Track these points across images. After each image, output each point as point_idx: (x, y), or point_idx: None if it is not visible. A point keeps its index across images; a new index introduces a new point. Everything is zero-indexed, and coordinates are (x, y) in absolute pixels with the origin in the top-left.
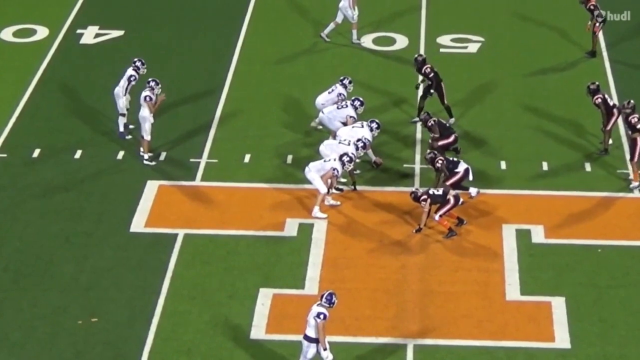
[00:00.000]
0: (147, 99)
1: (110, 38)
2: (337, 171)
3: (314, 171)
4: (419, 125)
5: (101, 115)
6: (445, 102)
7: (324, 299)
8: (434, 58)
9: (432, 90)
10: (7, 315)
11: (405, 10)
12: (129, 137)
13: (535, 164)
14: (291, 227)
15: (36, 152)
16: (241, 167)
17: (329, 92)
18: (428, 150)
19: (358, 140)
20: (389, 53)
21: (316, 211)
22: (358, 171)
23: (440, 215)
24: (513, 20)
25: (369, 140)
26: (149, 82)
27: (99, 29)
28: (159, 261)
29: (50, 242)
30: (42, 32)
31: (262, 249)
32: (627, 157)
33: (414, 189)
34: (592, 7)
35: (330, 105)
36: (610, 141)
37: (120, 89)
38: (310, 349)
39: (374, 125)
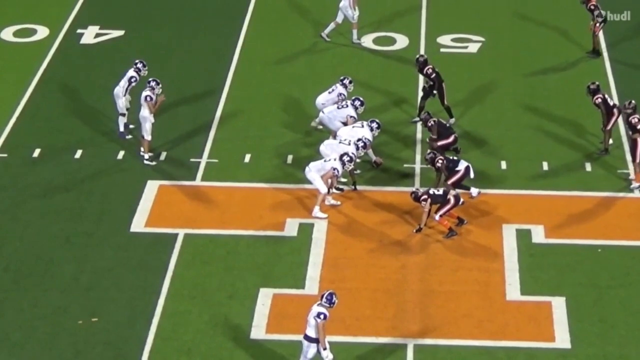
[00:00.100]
0: (148, 98)
1: (110, 38)
2: (338, 171)
3: (314, 171)
4: (419, 125)
5: (101, 115)
6: (446, 102)
7: (324, 299)
8: (434, 58)
9: (435, 91)
10: (8, 316)
11: (406, 10)
12: (129, 137)
13: (536, 164)
14: (291, 227)
15: (36, 152)
16: (241, 167)
17: (329, 92)
18: (428, 150)
19: (358, 140)
20: (389, 53)
21: (316, 211)
22: (358, 171)
23: (441, 215)
24: (513, 20)
25: (369, 140)
26: (149, 82)
27: (99, 29)
28: (159, 261)
29: (51, 242)
30: (42, 32)
31: (262, 249)
32: (628, 157)
33: (414, 189)
34: (592, 7)
35: (331, 105)
36: (611, 141)
37: (120, 89)
38: (311, 349)
39: (374, 125)
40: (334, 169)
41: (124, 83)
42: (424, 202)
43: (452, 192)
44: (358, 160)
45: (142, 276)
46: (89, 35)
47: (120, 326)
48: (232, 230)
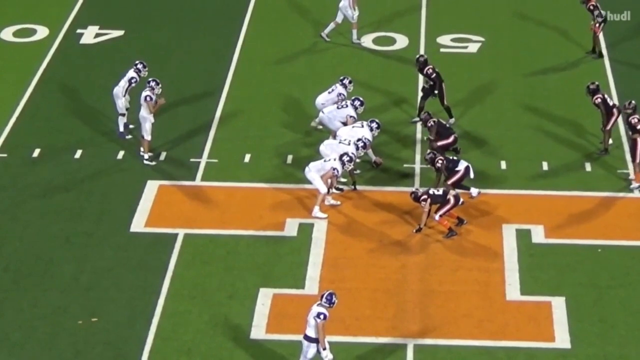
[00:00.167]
0: (147, 98)
1: (110, 38)
2: (337, 171)
3: (314, 171)
4: (419, 125)
5: (101, 115)
6: (445, 102)
7: (324, 299)
8: (434, 58)
9: (436, 91)
10: (7, 316)
11: (405, 10)
12: (129, 137)
13: (536, 164)
14: (291, 227)
15: (36, 152)
16: (241, 167)
17: (329, 92)
18: (428, 151)
19: (358, 140)
20: (389, 53)
21: (316, 211)
22: (358, 171)
23: (441, 215)
24: (513, 20)
25: (369, 140)
26: (149, 82)
27: (99, 29)
28: (159, 261)
29: (51, 242)
30: (42, 32)
31: (262, 249)
32: (628, 157)
33: (414, 189)
34: (591, 7)
35: (331, 105)
36: (610, 141)
37: (119, 90)
38: (311, 349)
39: (374, 125)
40: (334, 169)
41: (123, 83)
42: (424, 202)
43: (452, 192)
44: (358, 160)
45: (142, 276)
46: (89, 35)
47: (120, 326)
48: (232, 230)
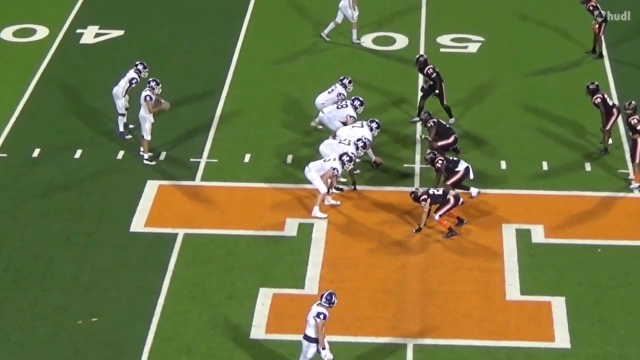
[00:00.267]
0: (147, 98)
1: (110, 38)
2: (337, 171)
3: (314, 171)
4: (419, 125)
5: (101, 115)
6: (445, 102)
7: (323, 299)
8: (434, 58)
9: (436, 91)
10: (8, 315)
11: (405, 10)
12: (129, 136)
13: (536, 164)
14: (291, 227)
15: (36, 152)
16: (241, 167)
17: (329, 92)
18: (428, 151)
19: (358, 140)
20: (389, 53)
21: (316, 211)
22: (358, 171)
23: (440, 215)
24: (513, 20)
25: (369, 140)
26: (149, 82)
27: (99, 28)
28: (159, 261)
29: (51, 242)
30: (42, 32)
31: (262, 249)
32: (628, 157)
33: (414, 189)
34: (591, 8)
35: (330, 105)
36: (610, 141)
37: (119, 90)
38: (310, 349)
39: (374, 125)
40: (334, 168)
41: (123, 83)
42: (424, 202)
43: (452, 192)
44: (358, 160)
45: (142, 276)
46: (89, 35)
47: (120, 326)
48: (232, 230)
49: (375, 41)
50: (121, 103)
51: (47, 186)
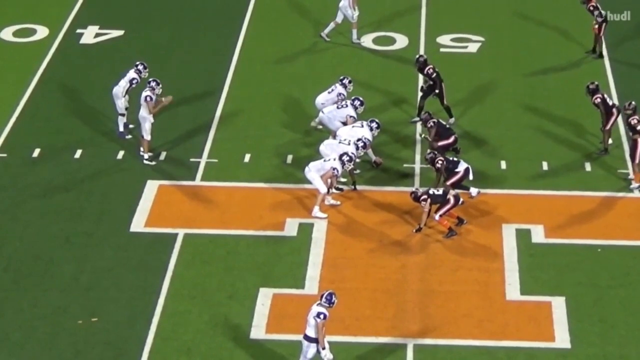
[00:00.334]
0: (148, 99)
1: (110, 38)
2: (337, 171)
3: (314, 171)
4: (419, 125)
5: (101, 115)
6: (445, 102)
7: (323, 299)
8: (434, 58)
9: (436, 90)
10: (7, 316)
11: (405, 10)
12: (129, 136)
13: (536, 164)
14: (291, 227)
15: (36, 152)
16: (241, 167)
17: (329, 92)
18: (428, 150)
19: (358, 139)
20: (389, 53)
21: (316, 211)
22: (358, 171)
23: (441, 215)
24: (513, 20)
25: (369, 140)
26: (149, 83)
27: (99, 28)
28: (159, 261)
29: (51, 242)
30: (42, 32)
31: (262, 249)
32: (628, 157)
33: (414, 189)
34: (591, 8)
35: (330, 105)
36: (610, 141)
37: (119, 90)
38: (310, 349)
39: (374, 124)
40: (334, 168)
41: (124, 83)
42: (424, 202)
43: (452, 192)
44: (358, 160)
45: (142, 276)
46: (89, 35)
47: (120, 326)
48: (232, 230)
49: (375, 41)
50: (121, 103)
51: (47, 186)
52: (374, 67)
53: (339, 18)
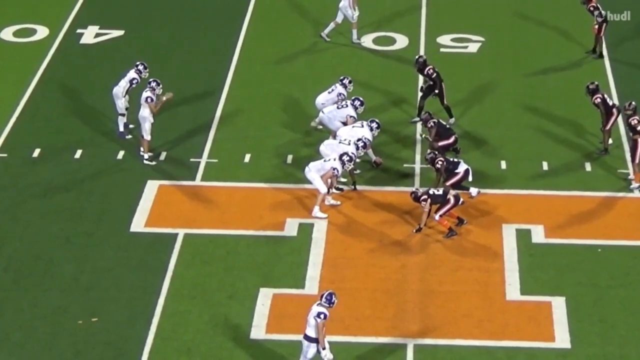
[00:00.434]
0: (149, 99)
1: (110, 38)
2: (337, 171)
3: (314, 171)
4: (419, 125)
5: (101, 115)
6: (445, 102)
7: (323, 299)
8: (434, 58)
9: (436, 90)
10: (8, 316)
11: (405, 10)
12: (129, 136)
13: (536, 164)
14: (291, 227)
15: (36, 152)
16: (241, 167)
17: (329, 92)
18: (428, 151)
19: (358, 140)
20: (389, 53)
21: (316, 211)
22: (358, 171)
23: (441, 215)
24: (513, 20)
25: (369, 140)
26: (149, 83)
27: (99, 28)
28: (159, 261)
29: (51, 242)
30: (42, 32)
31: (262, 249)
32: (628, 157)
33: (414, 189)
34: (591, 9)
35: (330, 105)
36: (610, 141)
37: (119, 90)
38: (310, 349)
39: (374, 124)
40: (334, 168)
41: (124, 84)
42: (424, 202)
43: (452, 192)
44: (358, 160)
45: (142, 276)
46: (89, 35)
47: (120, 326)
48: (232, 230)
49: (375, 41)
50: (121, 103)
51: (47, 186)
52: (374, 67)
53: (339, 18)
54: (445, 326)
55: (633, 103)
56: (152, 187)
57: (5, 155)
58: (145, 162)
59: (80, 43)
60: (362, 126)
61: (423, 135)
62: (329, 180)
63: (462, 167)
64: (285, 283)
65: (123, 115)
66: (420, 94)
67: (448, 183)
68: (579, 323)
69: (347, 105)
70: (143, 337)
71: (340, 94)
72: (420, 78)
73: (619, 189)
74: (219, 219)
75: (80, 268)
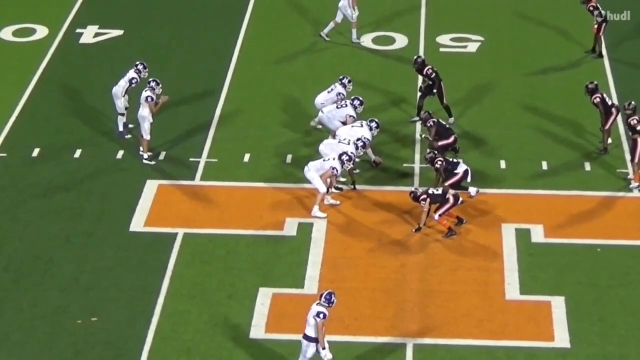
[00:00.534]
0: (149, 99)
1: (110, 38)
2: (337, 170)
3: (313, 171)
4: (418, 125)
5: (101, 115)
6: (445, 102)
7: (323, 299)
8: (434, 58)
9: (435, 90)
10: (8, 315)
11: (405, 10)
12: (129, 136)
13: (535, 164)
14: (291, 227)
15: (36, 152)
16: (241, 167)
17: (329, 92)
18: (428, 150)
19: (358, 139)
20: (389, 53)
21: (316, 211)
22: (358, 171)
23: (440, 215)
24: (513, 20)
25: (368, 140)
26: (149, 83)
27: (99, 28)
28: (159, 261)
29: (51, 242)
30: (42, 32)
31: (262, 249)
32: (628, 157)
33: (413, 189)
34: (591, 9)
35: (330, 104)
36: (610, 141)
37: (119, 90)
38: (310, 349)
39: (374, 124)
40: (333, 168)
41: (123, 83)
42: (424, 202)
43: (452, 191)
44: (357, 160)
45: (142, 276)
46: (89, 35)
47: (120, 326)
48: (232, 230)
49: (375, 41)
50: (121, 103)
51: (47, 186)
52: (373, 67)
53: (339, 18)
54: (445, 326)
55: (633, 103)
56: (151, 187)
57: (5, 155)
58: (144, 162)
59: (79, 43)
60: (362, 126)
61: (423, 136)
62: (329, 180)
63: (461, 168)
64: (285, 283)
65: (123, 115)
66: (419, 94)
67: (447, 183)
68: (579, 323)
69: (346, 105)
70: (143, 337)
71: (339, 93)
72: (420, 78)
73: (619, 189)
74: (218, 219)
75: (80, 268)
